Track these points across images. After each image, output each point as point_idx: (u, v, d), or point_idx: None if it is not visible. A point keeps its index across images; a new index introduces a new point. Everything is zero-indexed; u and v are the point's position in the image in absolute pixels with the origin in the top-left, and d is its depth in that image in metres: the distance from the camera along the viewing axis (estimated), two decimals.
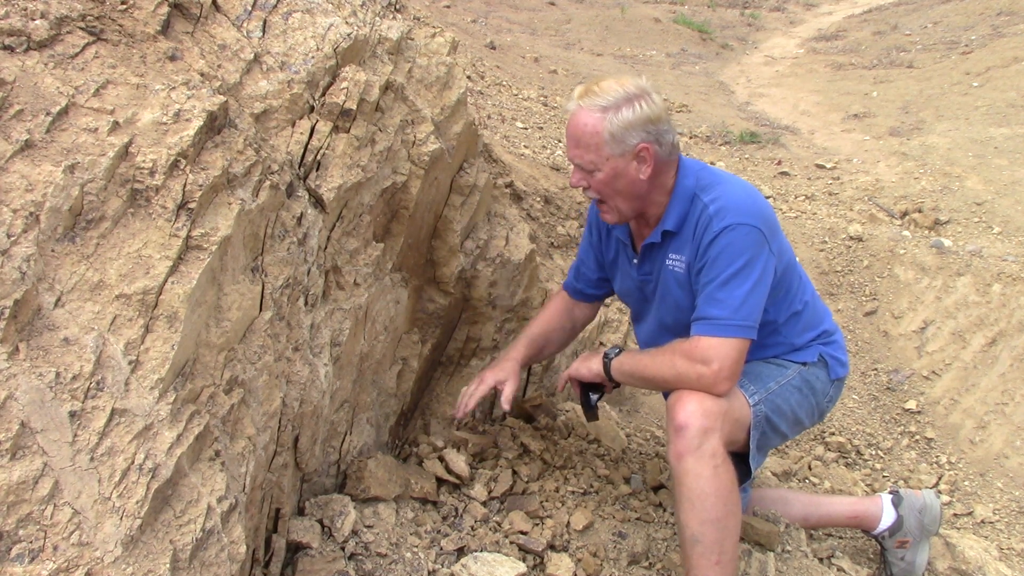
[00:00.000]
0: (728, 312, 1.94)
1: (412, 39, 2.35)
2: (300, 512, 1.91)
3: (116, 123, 1.45)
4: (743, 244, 1.97)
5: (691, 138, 6.28)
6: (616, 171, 2.02)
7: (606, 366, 2.20)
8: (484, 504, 2.25)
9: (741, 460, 2.07)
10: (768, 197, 5.20)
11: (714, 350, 1.93)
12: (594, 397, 2.35)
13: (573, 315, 2.51)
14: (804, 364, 2.22)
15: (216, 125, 1.58)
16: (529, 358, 2.46)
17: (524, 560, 2.07)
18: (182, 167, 1.47)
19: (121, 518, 1.22)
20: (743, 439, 2.07)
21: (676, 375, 1.98)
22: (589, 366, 2.25)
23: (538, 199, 3.50)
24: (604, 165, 2.01)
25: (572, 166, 2.10)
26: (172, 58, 1.62)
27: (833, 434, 3.51)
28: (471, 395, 2.34)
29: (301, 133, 1.83)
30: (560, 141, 4.79)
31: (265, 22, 1.85)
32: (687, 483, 1.90)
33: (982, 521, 3.11)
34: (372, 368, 2.26)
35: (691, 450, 1.90)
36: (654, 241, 2.13)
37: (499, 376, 2.35)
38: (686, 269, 2.09)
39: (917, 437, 3.57)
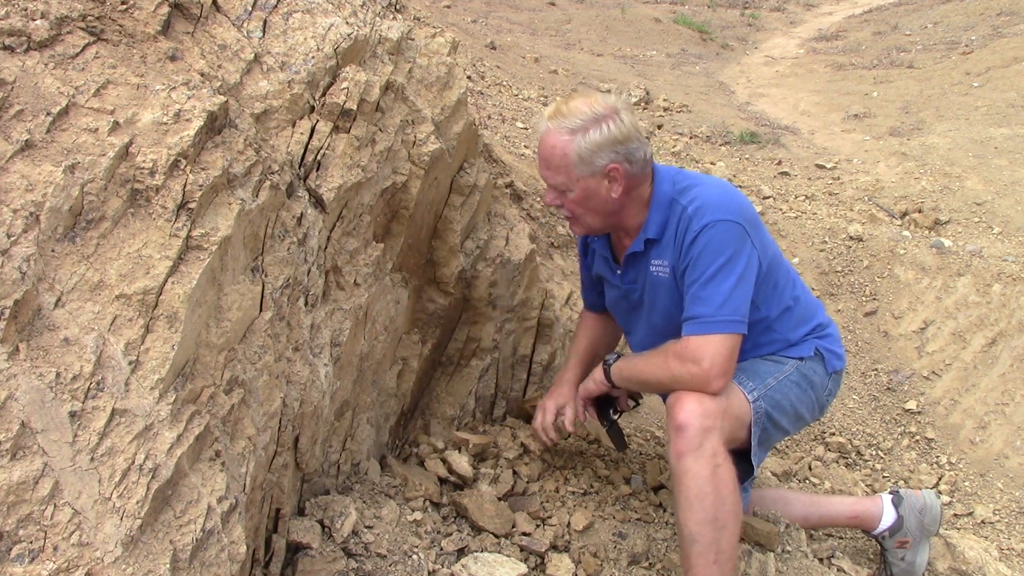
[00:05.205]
0: (713, 309, 1.95)
1: (412, 39, 2.36)
2: (300, 512, 1.91)
3: (116, 123, 1.45)
4: (724, 240, 1.98)
5: (691, 138, 6.28)
6: (587, 191, 2.05)
7: (607, 373, 2.23)
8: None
9: (742, 457, 2.07)
10: (768, 197, 5.20)
11: (703, 348, 1.94)
12: (613, 416, 2.35)
13: (612, 322, 2.54)
14: (801, 359, 2.23)
15: (216, 125, 1.58)
16: (583, 375, 2.46)
17: (525, 561, 2.07)
18: (182, 167, 1.47)
19: (121, 518, 1.22)
20: (744, 436, 2.07)
21: (671, 377, 2.00)
22: (594, 378, 2.29)
23: (538, 199, 3.50)
24: (575, 185, 2.05)
25: (546, 185, 2.13)
26: (172, 58, 1.62)
27: (833, 434, 3.51)
28: (545, 428, 2.37)
29: (301, 133, 1.83)
30: None
31: (265, 22, 1.85)
32: (686, 482, 1.90)
33: (982, 521, 3.11)
34: (372, 368, 2.26)
35: (691, 449, 1.90)
36: (637, 250, 2.15)
37: (559, 402, 2.39)
38: (671, 273, 2.10)
39: (917, 437, 3.56)
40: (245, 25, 1.81)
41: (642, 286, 2.21)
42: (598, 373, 2.26)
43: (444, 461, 2.34)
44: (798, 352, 2.23)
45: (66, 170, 1.35)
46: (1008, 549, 2.96)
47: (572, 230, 2.21)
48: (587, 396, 2.33)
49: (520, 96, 5.96)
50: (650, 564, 2.21)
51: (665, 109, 7.04)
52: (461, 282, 2.56)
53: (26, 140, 1.35)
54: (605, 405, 2.35)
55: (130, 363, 1.32)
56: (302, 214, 1.79)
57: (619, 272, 2.26)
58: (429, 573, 1.90)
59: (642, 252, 2.15)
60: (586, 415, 2.37)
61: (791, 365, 2.21)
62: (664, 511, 2.41)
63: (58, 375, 1.24)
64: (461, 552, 2.03)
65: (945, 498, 3.20)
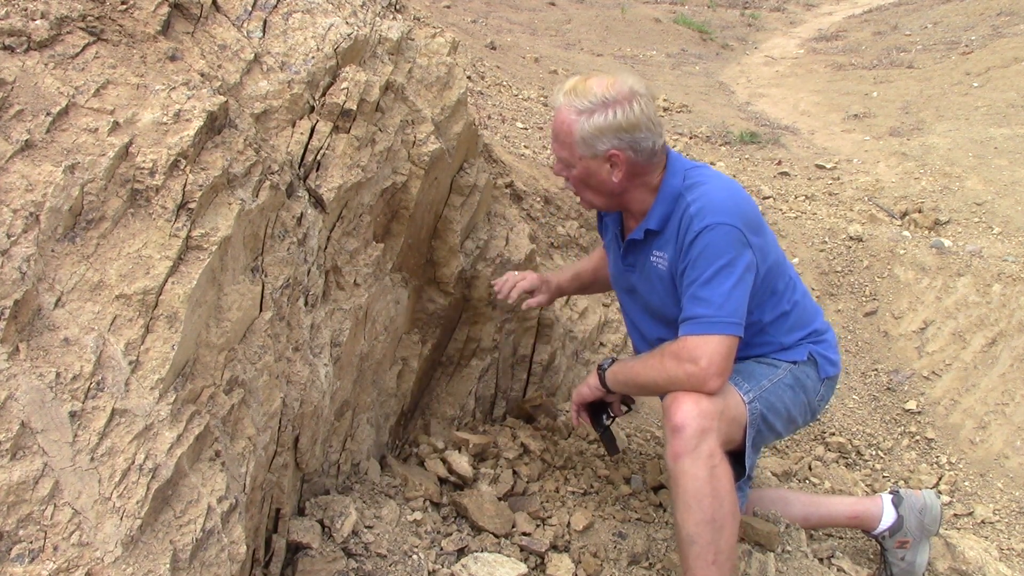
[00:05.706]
0: (712, 310, 1.95)
1: (412, 39, 2.36)
2: (300, 512, 1.91)
3: (116, 123, 1.45)
4: (723, 244, 1.98)
5: (691, 138, 6.28)
6: (588, 171, 2.08)
7: (601, 378, 2.22)
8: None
9: (735, 459, 2.07)
10: (768, 197, 5.20)
11: (701, 348, 1.94)
12: (606, 420, 2.35)
13: None
14: (794, 363, 2.23)
15: (216, 125, 1.58)
16: (570, 289, 2.64)
17: (525, 561, 2.07)
18: (182, 167, 1.47)
19: (121, 518, 1.22)
20: (739, 438, 2.07)
21: (667, 378, 1.99)
22: (588, 383, 2.28)
23: (538, 199, 3.51)
24: (577, 163, 2.08)
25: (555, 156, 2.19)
26: (172, 58, 1.62)
27: (833, 434, 3.51)
28: (511, 290, 2.48)
29: (301, 133, 1.83)
30: None
31: (265, 22, 1.85)
32: (683, 484, 1.90)
33: (982, 521, 3.11)
34: (372, 368, 2.25)
35: (688, 451, 1.90)
36: (637, 238, 2.17)
37: (539, 284, 2.52)
38: (669, 267, 2.11)
39: (917, 437, 3.56)
40: (245, 25, 1.81)
41: (639, 273, 2.22)
42: (593, 379, 2.25)
43: (444, 461, 2.34)
44: (791, 356, 2.23)
45: (66, 170, 1.35)
46: (1008, 549, 2.96)
47: (581, 203, 2.26)
48: (581, 402, 2.31)
49: (520, 96, 5.96)
50: (650, 564, 2.21)
51: (665, 109, 7.04)
52: (461, 282, 2.56)
53: (26, 140, 1.35)
54: (599, 411, 2.35)
55: (130, 363, 1.32)
56: (302, 214, 1.79)
57: (621, 252, 2.27)
58: (429, 573, 1.90)
59: (642, 241, 2.16)
60: (580, 420, 2.36)
61: (784, 368, 2.21)
62: (664, 511, 2.41)
63: (58, 375, 1.24)
64: (461, 552, 2.03)
65: (945, 498, 3.20)
